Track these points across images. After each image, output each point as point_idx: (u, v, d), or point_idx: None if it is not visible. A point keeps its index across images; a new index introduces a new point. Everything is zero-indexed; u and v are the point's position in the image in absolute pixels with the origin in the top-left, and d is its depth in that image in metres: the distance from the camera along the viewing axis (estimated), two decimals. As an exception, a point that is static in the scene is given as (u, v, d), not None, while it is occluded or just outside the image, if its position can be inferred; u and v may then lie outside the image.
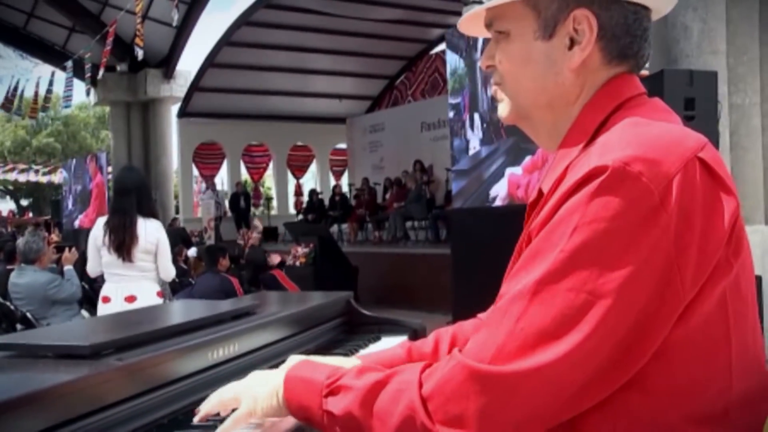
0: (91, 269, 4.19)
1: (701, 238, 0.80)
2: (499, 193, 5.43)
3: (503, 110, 1.02)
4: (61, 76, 13.12)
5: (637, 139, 0.83)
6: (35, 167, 25.94)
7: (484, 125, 5.58)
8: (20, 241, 5.57)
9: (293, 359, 1.10)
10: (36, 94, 14.02)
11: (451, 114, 6.07)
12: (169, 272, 4.21)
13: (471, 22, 1.05)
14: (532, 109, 0.99)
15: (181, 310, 1.76)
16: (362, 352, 1.63)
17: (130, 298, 4.02)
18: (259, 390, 1.01)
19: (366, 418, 0.88)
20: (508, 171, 5.32)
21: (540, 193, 0.95)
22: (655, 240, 0.78)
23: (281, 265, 7.78)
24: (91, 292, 5.92)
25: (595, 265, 0.78)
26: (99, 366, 1.07)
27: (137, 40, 9.02)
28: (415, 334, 1.85)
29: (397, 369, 0.92)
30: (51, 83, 13.32)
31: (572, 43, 0.93)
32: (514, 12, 0.96)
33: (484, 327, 0.86)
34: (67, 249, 5.67)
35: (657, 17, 1.00)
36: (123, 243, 3.92)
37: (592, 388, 0.79)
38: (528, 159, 5.10)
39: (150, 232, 3.97)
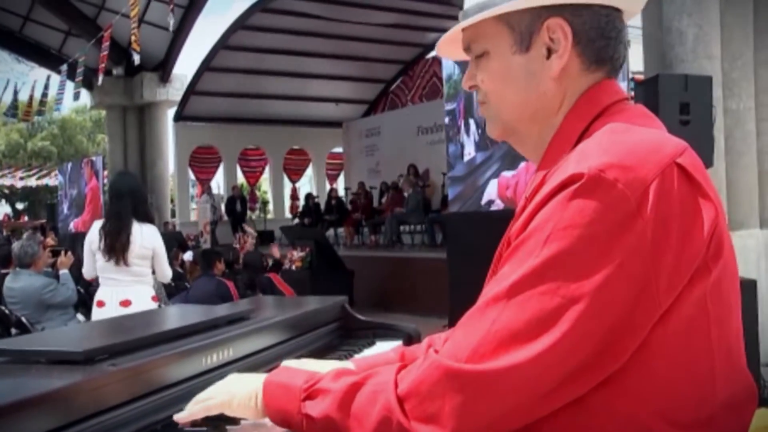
0: (87, 273, 4.19)
1: (678, 245, 0.80)
2: (491, 195, 5.44)
3: (491, 128, 1.04)
4: (57, 79, 13.10)
5: (615, 146, 0.84)
6: (30, 172, 25.86)
7: (479, 131, 5.59)
8: (16, 245, 5.56)
9: (286, 365, 1.11)
10: (31, 97, 13.99)
11: (446, 120, 6.08)
12: (166, 274, 4.22)
13: (449, 46, 1.07)
14: (518, 123, 1.00)
15: (175, 315, 1.76)
16: (356, 357, 1.63)
17: (125, 303, 4.01)
18: (236, 388, 1.04)
19: (344, 419, 0.90)
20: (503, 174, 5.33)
21: (525, 201, 0.96)
22: (631, 246, 0.79)
23: (277, 267, 7.77)
24: (86, 296, 5.91)
25: (570, 270, 0.79)
26: (93, 371, 1.07)
27: (134, 45, 9.01)
28: (410, 339, 1.85)
29: (373, 371, 0.93)
30: (46, 87, 13.30)
31: (549, 52, 0.95)
32: (489, 31, 0.98)
33: (460, 327, 0.87)
34: (62, 253, 5.66)
35: (629, 18, 1.01)
36: (118, 247, 3.92)
37: (565, 387, 0.80)
38: (522, 164, 5.11)
39: (146, 236, 3.98)
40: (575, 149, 0.89)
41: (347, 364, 1.19)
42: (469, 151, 5.71)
